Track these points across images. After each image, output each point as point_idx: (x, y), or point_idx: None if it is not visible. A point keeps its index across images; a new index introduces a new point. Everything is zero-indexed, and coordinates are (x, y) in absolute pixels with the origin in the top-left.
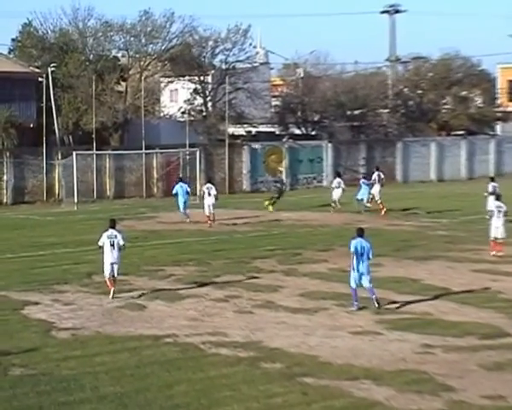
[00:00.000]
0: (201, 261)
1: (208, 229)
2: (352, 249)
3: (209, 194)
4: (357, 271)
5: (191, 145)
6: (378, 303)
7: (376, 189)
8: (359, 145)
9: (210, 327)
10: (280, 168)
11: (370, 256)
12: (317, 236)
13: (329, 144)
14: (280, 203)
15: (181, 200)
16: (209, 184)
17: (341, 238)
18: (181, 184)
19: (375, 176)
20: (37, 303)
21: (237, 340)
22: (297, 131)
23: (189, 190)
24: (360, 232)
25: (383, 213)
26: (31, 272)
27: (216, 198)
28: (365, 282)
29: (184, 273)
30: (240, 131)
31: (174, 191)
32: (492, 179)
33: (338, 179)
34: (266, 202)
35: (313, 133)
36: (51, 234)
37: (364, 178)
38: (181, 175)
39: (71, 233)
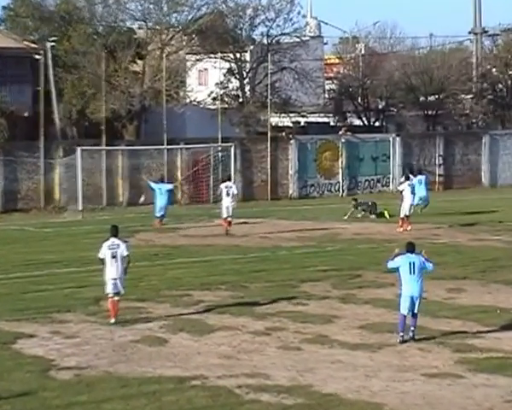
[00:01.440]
0: (237, 285)
1: (245, 244)
2: (392, 265)
3: (227, 194)
4: (408, 294)
5: (224, 139)
6: (414, 338)
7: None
8: (435, 139)
9: (247, 367)
10: (335, 168)
11: (430, 267)
12: (383, 253)
13: (398, 138)
14: (333, 211)
15: (158, 202)
16: (228, 183)
17: None
18: (160, 184)
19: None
20: (32, 336)
21: (282, 383)
22: (357, 122)
23: (171, 187)
24: (410, 247)
25: (402, 229)
26: (24, 296)
27: (234, 199)
28: (415, 307)
29: (216, 299)
30: (285, 121)
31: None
32: None
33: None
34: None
35: (377, 124)
36: (50, 250)
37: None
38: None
39: (74, 249)
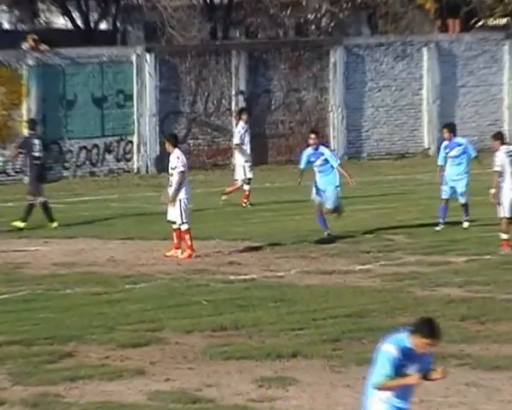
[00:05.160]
0: None
1: None
2: None
3: None
4: None
5: None
6: None
7: None
8: (229, 58)
9: None
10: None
11: None
12: (118, 305)
13: (149, 56)
14: (12, 214)
15: None
16: None
17: (175, 312)
18: None
19: None
20: None
21: None
22: (61, 23)
23: None
24: None
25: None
26: None
27: None
28: None
29: None
30: None
31: None
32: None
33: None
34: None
35: (104, 28)
36: None
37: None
38: None
39: None
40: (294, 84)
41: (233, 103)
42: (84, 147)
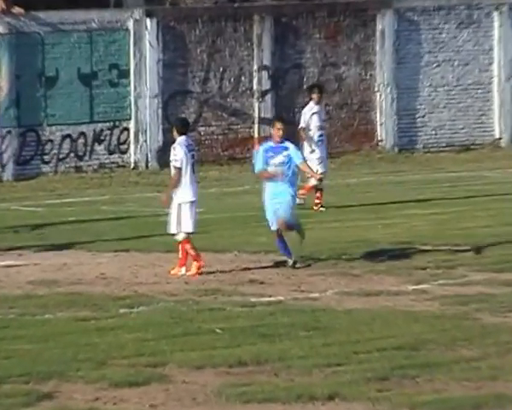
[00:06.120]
0: None
1: None
2: None
3: None
4: None
5: None
6: None
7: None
8: (250, 24)
9: None
10: None
11: None
12: (112, 332)
13: (149, 21)
14: None
15: None
16: None
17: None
18: None
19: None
20: None
21: None
22: None
23: None
24: None
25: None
26: None
27: None
28: None
29: None
30: None
31: None
32: None
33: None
34: None
35: None
36: None
37: None
38: None
39: None
40: (332, 58)
41: (254, 81)
42: (69, 135)
